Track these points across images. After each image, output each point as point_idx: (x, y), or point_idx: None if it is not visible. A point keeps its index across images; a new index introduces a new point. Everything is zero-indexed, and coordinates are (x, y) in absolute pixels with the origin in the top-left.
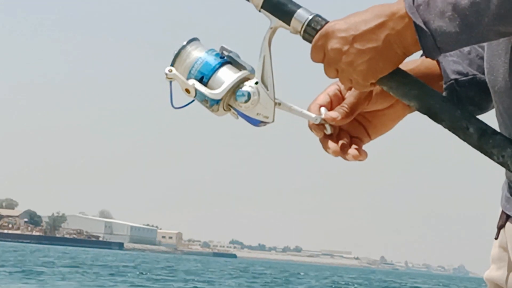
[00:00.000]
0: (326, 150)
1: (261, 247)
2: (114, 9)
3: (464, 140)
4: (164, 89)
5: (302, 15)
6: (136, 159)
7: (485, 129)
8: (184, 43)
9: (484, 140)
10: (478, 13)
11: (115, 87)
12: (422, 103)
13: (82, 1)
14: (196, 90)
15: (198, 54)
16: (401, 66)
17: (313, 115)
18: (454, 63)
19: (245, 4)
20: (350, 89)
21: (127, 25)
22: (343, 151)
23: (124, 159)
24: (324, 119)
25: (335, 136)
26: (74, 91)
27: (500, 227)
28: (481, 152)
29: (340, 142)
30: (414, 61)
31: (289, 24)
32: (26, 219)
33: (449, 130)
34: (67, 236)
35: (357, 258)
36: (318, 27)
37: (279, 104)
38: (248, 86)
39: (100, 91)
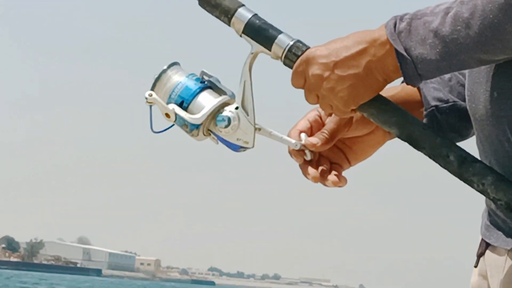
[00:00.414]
0: (305, 176)
1: (240, 275)
2: (94, 31)
3: (444, 167)
4: (144, 112)
5: (283, 41)
6: (114, 185)
7: (465, 156)
8: (165, 67)
9: (464, 168)
10: (459, 40)
11: (91, 108)
12: (403, 130)
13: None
14: (176, 114)
15: (178, 79)
16: (382, 93)
17: (293, 141)
18: (434, 90)
19: (226, 29)
20: (330, 115)
21: (104, 45)
22: (322, 177)
23: (103, 185)
24: (304, 145)
25: (315, 162)
26: (49, 111)
27: (480, 255)
28: (461, 179)
29: (320, 168)
30: (395, 88)
31: (270, 50)
32: (3, 245)
33: (429, 157)
34: (45, 262)
35: (335, 286)
36: (299, 53)
37: (259, 129)
38: (228, 111)
39: (75, 111)
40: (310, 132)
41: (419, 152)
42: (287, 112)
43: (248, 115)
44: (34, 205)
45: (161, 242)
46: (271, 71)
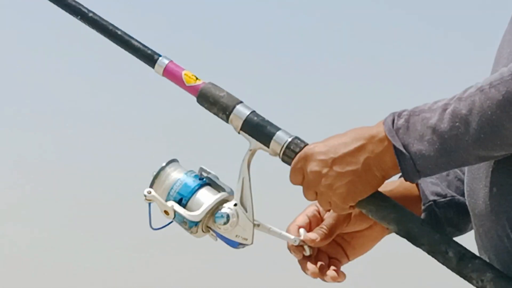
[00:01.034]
0: (304, 272)
1: None
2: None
3: (443, 263)
4: (142, 208)
5: (281, 138)
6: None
7: (464, 253)
8: (163, 164)
9: (463, 264)
10: (458, 137)
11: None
12: (401, 227)
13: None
14: (175, 212)
15: (177, 176)
16: (380, 188)
17: (292, 237)
18: (432, 185)
19: (224, 126)
20: (329, 210)
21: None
22: (321, 272)
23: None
24: (303, 241)
25: (314, 257)
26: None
27: None
28: (460, 276)
29: (319, 263)
30: (393, 183)
31: (268, 146)
32: None
33: (428, 253)
34: None
35: None
36: (297, 150)
37: (258, 225)
38: (227, 208)
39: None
40: (309, 228)
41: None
42: (285, 207)
43: (246, 212)
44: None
45: None
46: (270, 167)
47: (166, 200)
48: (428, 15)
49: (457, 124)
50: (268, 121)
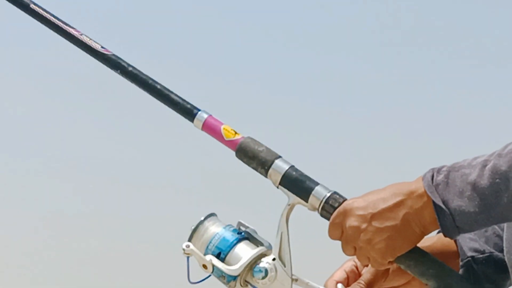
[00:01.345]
0: None
1: None
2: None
3: None
4: (181, 262)
5: (320, 193)
6: None
7: None
8: (202, 218)
9: None
10: (498, 193)
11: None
12: (440, 283)
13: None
14: (213, 266)
15: (215, 230)
16: (418, 243)
17: None
18: (470, 241)
19: (263, 180)
20: (367, 265)
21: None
22: None
23: None
24: None
25: None
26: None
27: None
28: None
29: None
30: (431, 238)
31: (307, 201)
32: None
33: None
34: None
35: None
36: (336, 205)
37: (296, 280)
38: (265, 263)
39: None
40: (347, 283)
41: None
42: (323, 262)
43: (285, 266)
44: None
45: None
46: (308, 221)
47: (205, 254)
48: (471, 70)
49: (497, 180)
50: (306, 176)
